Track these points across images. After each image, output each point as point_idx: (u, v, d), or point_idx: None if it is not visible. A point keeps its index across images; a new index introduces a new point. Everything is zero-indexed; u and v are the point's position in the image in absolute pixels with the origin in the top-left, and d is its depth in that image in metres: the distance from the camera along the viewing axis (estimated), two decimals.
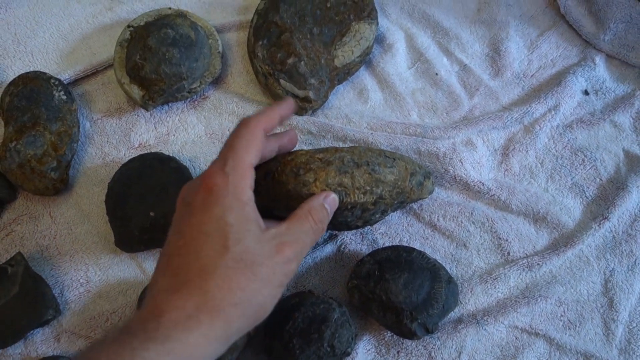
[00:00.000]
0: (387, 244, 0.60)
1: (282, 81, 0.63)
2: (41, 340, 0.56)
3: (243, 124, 0.44)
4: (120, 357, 0.35)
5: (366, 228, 0.60)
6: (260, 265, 0.40)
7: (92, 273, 0.59)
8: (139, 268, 0.60)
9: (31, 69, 0.66)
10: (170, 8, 0.68)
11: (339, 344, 0.51)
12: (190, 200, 0.42)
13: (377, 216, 0.52)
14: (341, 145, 0.63)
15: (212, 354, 0.39)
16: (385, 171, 0.49)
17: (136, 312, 0.47)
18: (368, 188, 0.48)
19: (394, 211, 0.56)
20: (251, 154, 0.43)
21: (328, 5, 0.66)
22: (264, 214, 0.43)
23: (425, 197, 0.56)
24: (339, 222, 0.50)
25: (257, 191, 0.44)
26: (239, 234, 0.40)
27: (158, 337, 0.36)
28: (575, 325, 0.56)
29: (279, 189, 0.47)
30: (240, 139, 0.43)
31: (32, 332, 0.56)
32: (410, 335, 0.52)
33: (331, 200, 0.47)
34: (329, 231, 0.56)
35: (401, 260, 0.55)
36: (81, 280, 0.59)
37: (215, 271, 0.39)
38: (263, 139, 0.45)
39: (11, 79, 0.64)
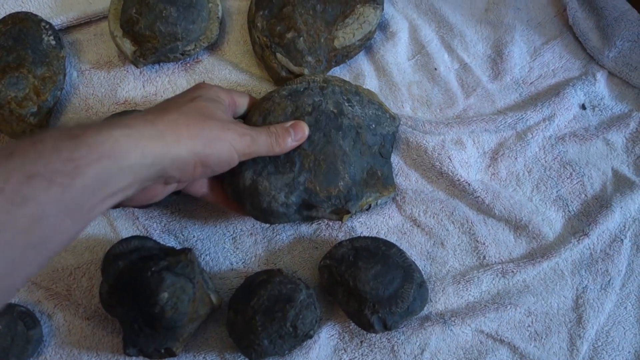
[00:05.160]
0: (364, 234, 0.59)
1: (278, 55, 0.62)
2: None
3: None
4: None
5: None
6: (220, 119, 0.47)
7: None
8: (109, 226, 0.59)
9: (23, 10, 0.63)
10: None
11: (302, 325, 0.51)
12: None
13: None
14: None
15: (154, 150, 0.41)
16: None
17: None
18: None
19: None
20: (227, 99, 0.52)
21: None
22: None
23: None
24: None
25: None
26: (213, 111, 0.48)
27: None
28: (541, 337, 0.56)
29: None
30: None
31: None
32: (368, 327, 0.52)
33: (299, 128, 0.52)
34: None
35: (379, 252, 0.54)
36: None
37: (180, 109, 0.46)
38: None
39: (1, 17, 0.62)
